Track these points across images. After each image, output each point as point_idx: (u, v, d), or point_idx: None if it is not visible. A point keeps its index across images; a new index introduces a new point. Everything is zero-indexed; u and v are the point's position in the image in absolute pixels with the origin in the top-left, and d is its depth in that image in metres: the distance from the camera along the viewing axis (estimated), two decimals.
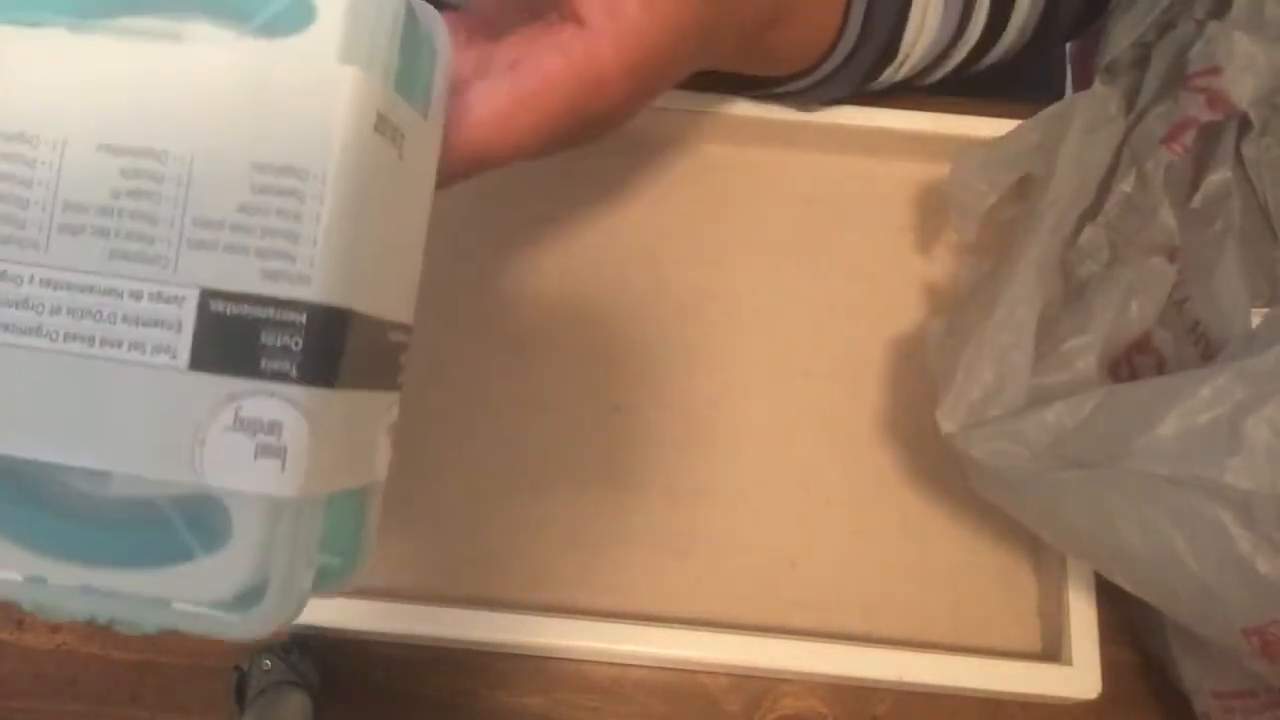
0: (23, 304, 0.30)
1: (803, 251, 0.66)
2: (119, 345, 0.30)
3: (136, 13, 0.31)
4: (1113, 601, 0.57)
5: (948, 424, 0.51)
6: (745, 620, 0.58)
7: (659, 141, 0.68)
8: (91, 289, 0.30)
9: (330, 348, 0.30)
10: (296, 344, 0.30)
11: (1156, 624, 0.55)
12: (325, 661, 0.55)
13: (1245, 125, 0.56)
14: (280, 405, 0.30)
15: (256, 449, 0.30)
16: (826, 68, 0.61)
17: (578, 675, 0.58)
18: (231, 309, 0.30)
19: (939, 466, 0.61)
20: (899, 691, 0.58)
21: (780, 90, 0.64)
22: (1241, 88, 0.52)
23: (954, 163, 0.61)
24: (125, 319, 0.30)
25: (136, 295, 0.30)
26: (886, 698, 0.58)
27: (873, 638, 0.58)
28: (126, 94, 0.31)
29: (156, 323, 0.30)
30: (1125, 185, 0.56)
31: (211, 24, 0.31)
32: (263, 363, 0.30)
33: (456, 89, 0.39)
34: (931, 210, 0.67)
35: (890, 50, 0.61)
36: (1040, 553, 0.60)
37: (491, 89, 0.40)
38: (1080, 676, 0.55)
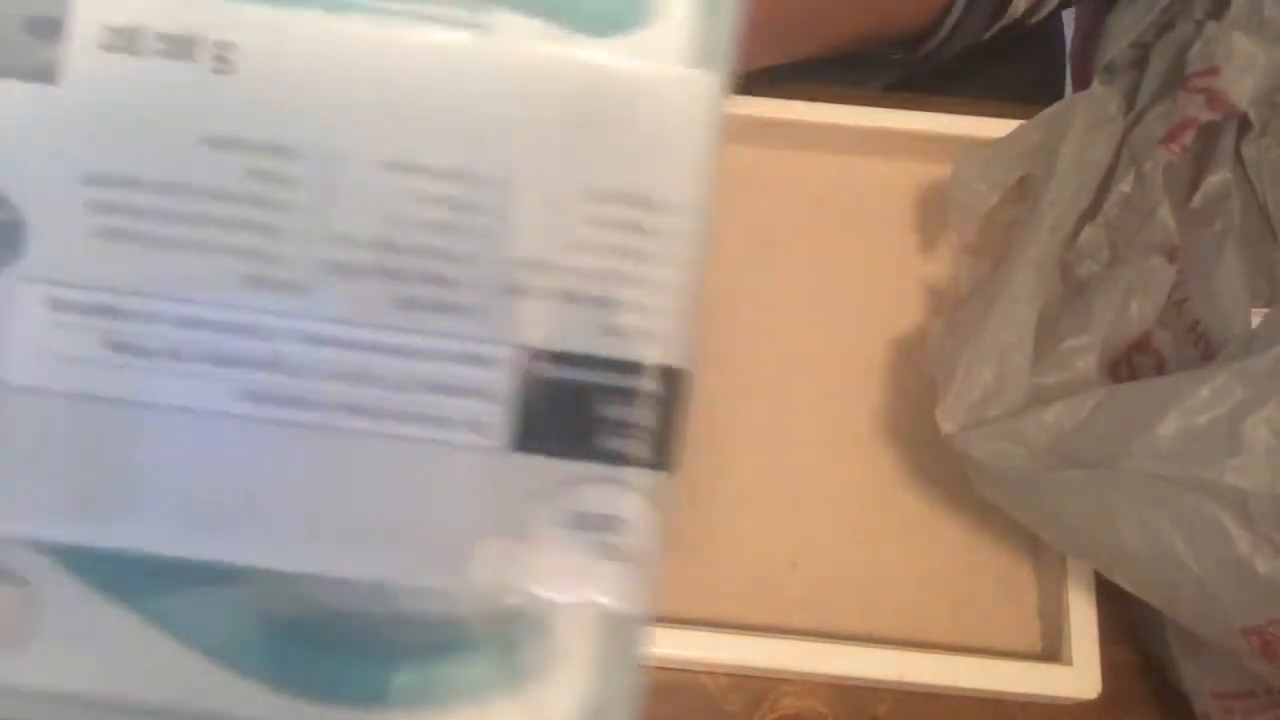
0: (276, 366, 0.23)
1: (803, 251, 0.66)
2: (413, 421, 0.23)
3: None
4: (1113, 601, 0.56)
5: (947, 424, 0.51)
6: (745, 620, 0.58)
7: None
8: (373, 347, 0.23)
9: (678, 422, 0.24)
10: (645, 418, 0.24)
11: (1156, 624, 0.55)
12: None
13: (1245, 125, 0.56)
14: (624, 494, 0.24)
15: (596, 550, 0.24)
16: (952, 17, 0.61)
17: None
18: (562, 373, 0.23)
19: (939, 466, 0.61)
20: (899, 691, 0.57)
21: (913, 57, 0.64)
22: (1240, 88, 0.52)
23: (955, 163, 0.61)
24: (422, 386, 0.23)
25: (437, 356, 0.23)
26: (886, 698, 0.58)
27: (873, 638, 0.58)
28: (416, 97, 0.23)
29: (465, 391, 0.23)
30: (1124, 185, 0.56)
31: (522, 14, 0.24)
32: (601, 441, 0.24)
33: None
34: (932, 210, 0.67)
35: None
36: (1040, 553, 0.60)
37: None
38: (1080, 676, 0.55)
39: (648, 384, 0.24)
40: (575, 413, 0.23)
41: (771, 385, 0.63)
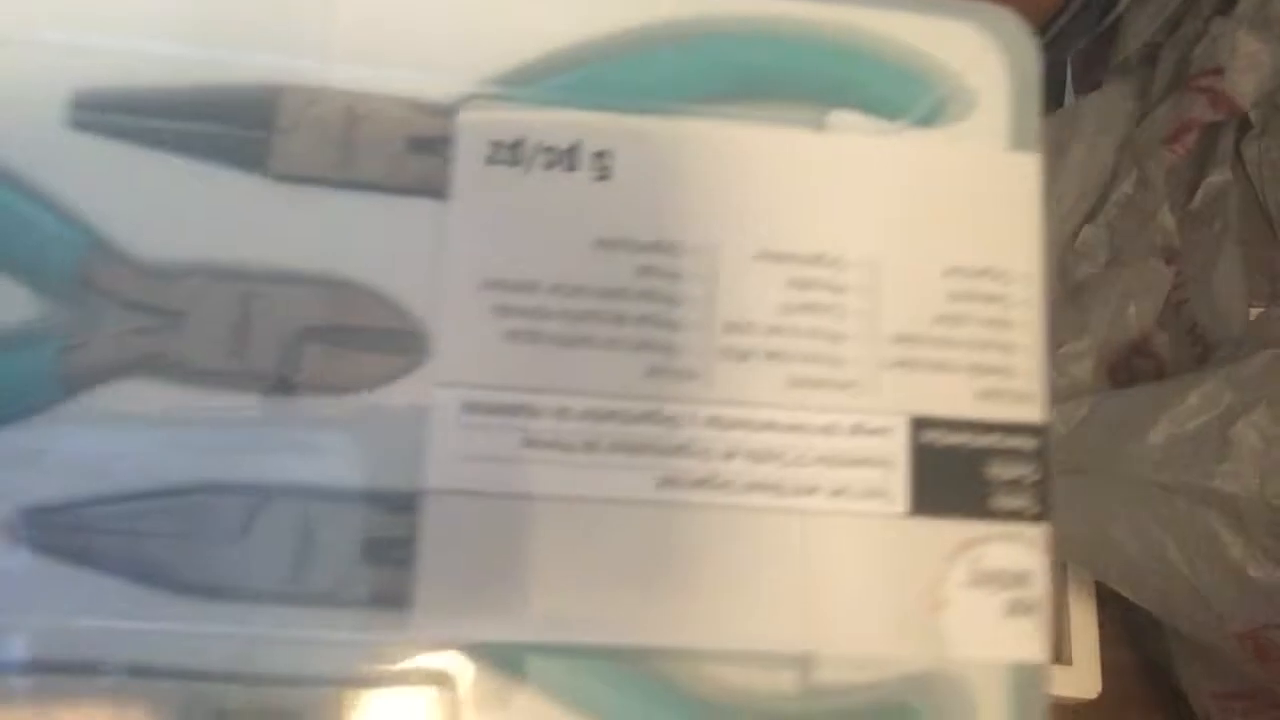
0: (686, 451, 0.24)
1: None
2: (815, 493, 0.24)
3: (755, 98, 0.26)
4: (1112, 602, 0.57)
5: None
6: None
7: None
8: (771, 426, 0.24)
9: (1051, 474, 0.25)
10: (1031, 475, 0.25)
11: (1155, 625, 0.55)
12: None
13: (1245, 125, 0.56)
14: (1024, 551, 0.25)
15: (1004, 607, 0.24)
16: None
17: None
18: (950, 439, 0.25)
19: None
20: None
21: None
22: (1244, 87, 0.52)
23: None
24: (820, 460, 0.24)
25: (831, 430, 0.24)
26: None
27: None
28: (770, 189, 0.25)
29: (861, 461, 0.24)
30: (1126, 186, 0.55)
31: (858, 113, 0.26)
32: (996, 500, 0.25)
33: None
34: None
35: None
36: None
37: None
38: (1080, 676, 0.55)
39: (1028, 443, 0.25)
40: (968, 475, 0.24)
41: None
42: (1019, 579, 0.25)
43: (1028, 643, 0.25)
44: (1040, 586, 0.25)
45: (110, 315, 0.23)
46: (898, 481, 0.24)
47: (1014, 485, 0.25)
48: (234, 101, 0.24)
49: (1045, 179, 0.27)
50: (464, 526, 0.23)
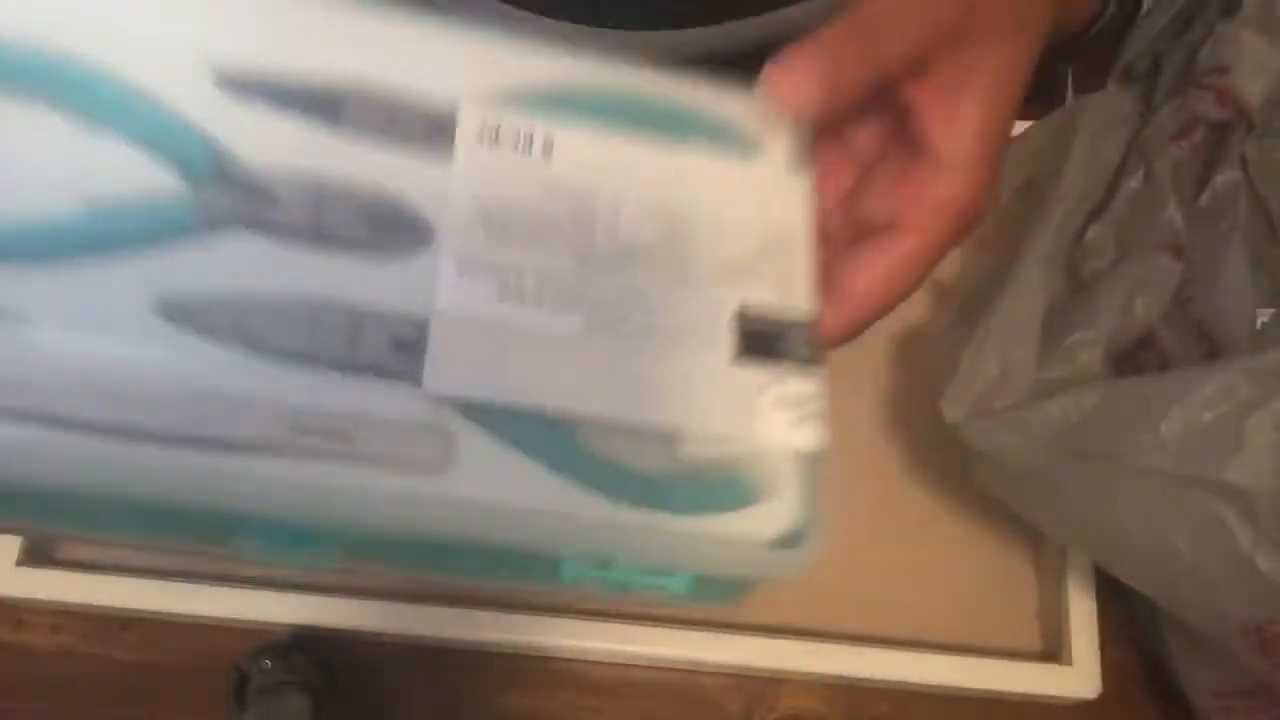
0: (609, 305, 0.38)
1: None
2: (675, 340, 0.38)
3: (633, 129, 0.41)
4: (1113, 602, 0.57)
5: (952, 413, 0.51)
6: (745, 620, 0.58)
7: None
8: (650, 296, 0.38)
9: (820, 345, 0.39)
10: (811, 340, 0.39)
11: (1155, 624, 0.55)
12: (325, 661, 0.55)
13: (1248, 125, 0.57)
14: (806, 385, 0.38)
15: (797, 417, 0.38)
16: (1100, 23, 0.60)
17: (578, 675, 0.58)
18: (757, 324, 0.39)
19: (940, 466, 0.61)
20: (899, 691, 0.58)
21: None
22: (1252, 87, 0.52)
23: None
24: (679, 321, 0.38)
25: (686, 305, 0.38)
26: (886, 698, 0.58)
27: (873, 638, 0.58)
28: (658, 171, 0.41)
29: (704, 326, 0.38)
30: (1134, 182, 0.56)
31: (701, 144, 0.42)
32: (790, 354, 0.39)
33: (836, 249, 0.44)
34: None
35: None
36: (1040, 553, 0.60)
37: (876, 257, 0.44)
38: (1080, 676, 0.55)
39: (806, 322, 0.39)
40: (772, 339, 0.39)
41: None
42: (804, 400, 0.38)
43: (811, 438, 0.37)
44: (818, 407, 0.38)
45: (231, 194, 0.36)
46: (727, 340, 0.38)
47: (799, 347, 0.39)
48: None
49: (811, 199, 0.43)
50: (460, 338, 0.36)
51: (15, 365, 0.32)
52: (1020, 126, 0.61)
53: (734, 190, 0.41)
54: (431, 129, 0.39)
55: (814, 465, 0.37)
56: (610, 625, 0.56)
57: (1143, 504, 0.46)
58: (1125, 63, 0.60)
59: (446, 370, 0.35)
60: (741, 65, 0.49)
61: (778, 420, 0.37)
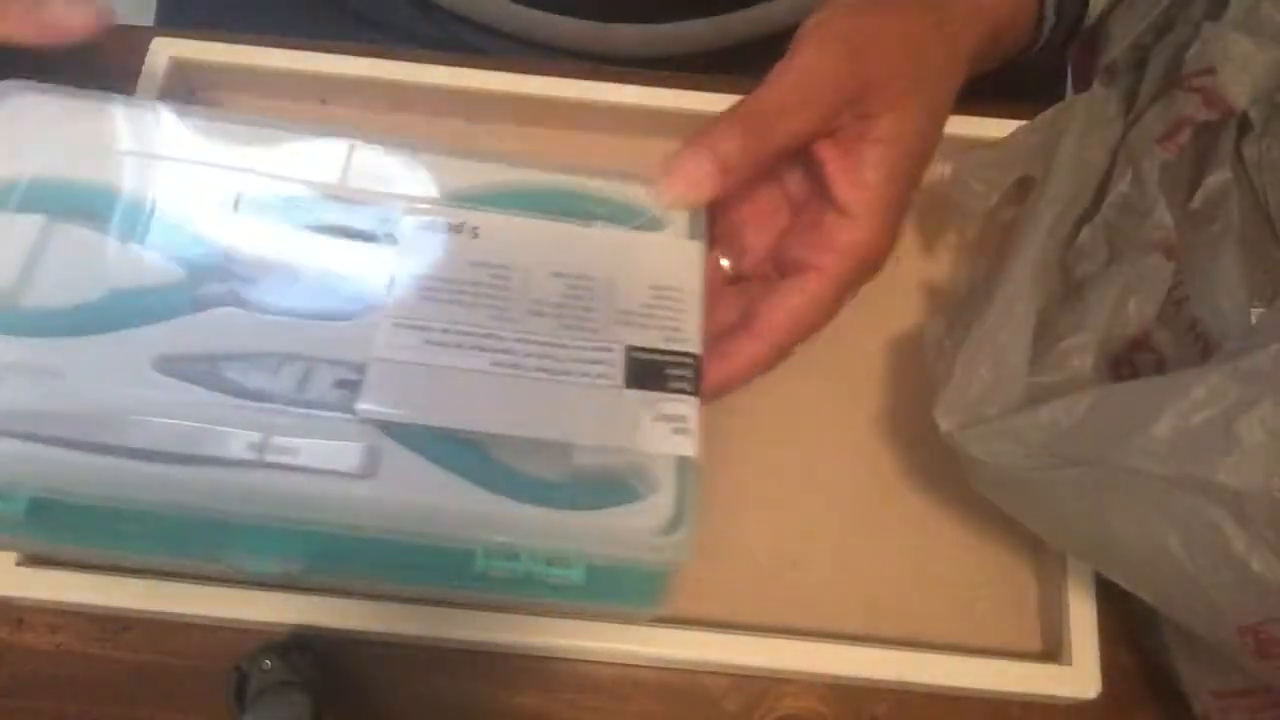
0: (509, 351, 0.48)
1: None
2: (576, 375, 0.47)
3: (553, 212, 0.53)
4: (1112, 602, 0.57)
5: (945, 422, 0.51)
6: (745, 620, 0.58)
7: (664, 140, 0.68)
8: (554, 344, 0.48)
9: (701, 375, 0.49)
10: (690, 373, 0.48)
11: (1155, 624, 0.55)
12: (325, 661, 0.55)
13: (1245, 125, 0.56)
14: (685, 405, 0.47)
15: (673, 430, 0.46)
16: (1042, 39, 0.64)
17: (578, 675, 0.58)
18: (645, 355, 0.48)
19: (939, 466, 0.61)
20: (899, 691, 0.58)
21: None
22: (1237, 87, 0.52)
23: (955, 164, 0.61)
24: (579, 361, 0.48)
25: (585, 349, 0.48)
26: (886, 698, 0.58)
27: (873, 638, 0.58)
28: (562, 245, 0.52)
29: (601, 363, 0.48)
30: (1122, 185, 0.56)
31: (608, 223, 0.53)
32: (671, 384, 0.48)
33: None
34: (933, 210, 0.67)
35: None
36: (1040, 553, 0.60)
37: (788, 296, 0.53)
38: (1080, 676, 0.55)
39: (689, 359, 0.49)
40: (655, 372, 0.48)
41: (772, 385, 0.63)
42: (681, 419, 0.46)
43: (686, 446, 0.46)
44: (692, 424, 0.47)
45: (224, 283, 0.49)
46: (619, 373, 0.48)
47: (679, 378, 0.48)
48: None
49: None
50: (390, 376, 0.47)
51: (49, 405, 0.45)
52: (1009, 127, 0.61)
53: (633, 256, 0.51)
54: (383, 223, 0.50)
55: (689, 469, 0.46)
56: (610, 625, 0.56)
57: (1135, 508, 0.46)
58: (1109, 60, 0.60)
59: (375, 400, 0.45)
60: (731, 58, 0.52)
61: (658, 433, 0.46)
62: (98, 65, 0.70)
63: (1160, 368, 0.53)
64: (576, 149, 0.68)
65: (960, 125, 0.66)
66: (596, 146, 0.65)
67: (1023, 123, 0.60)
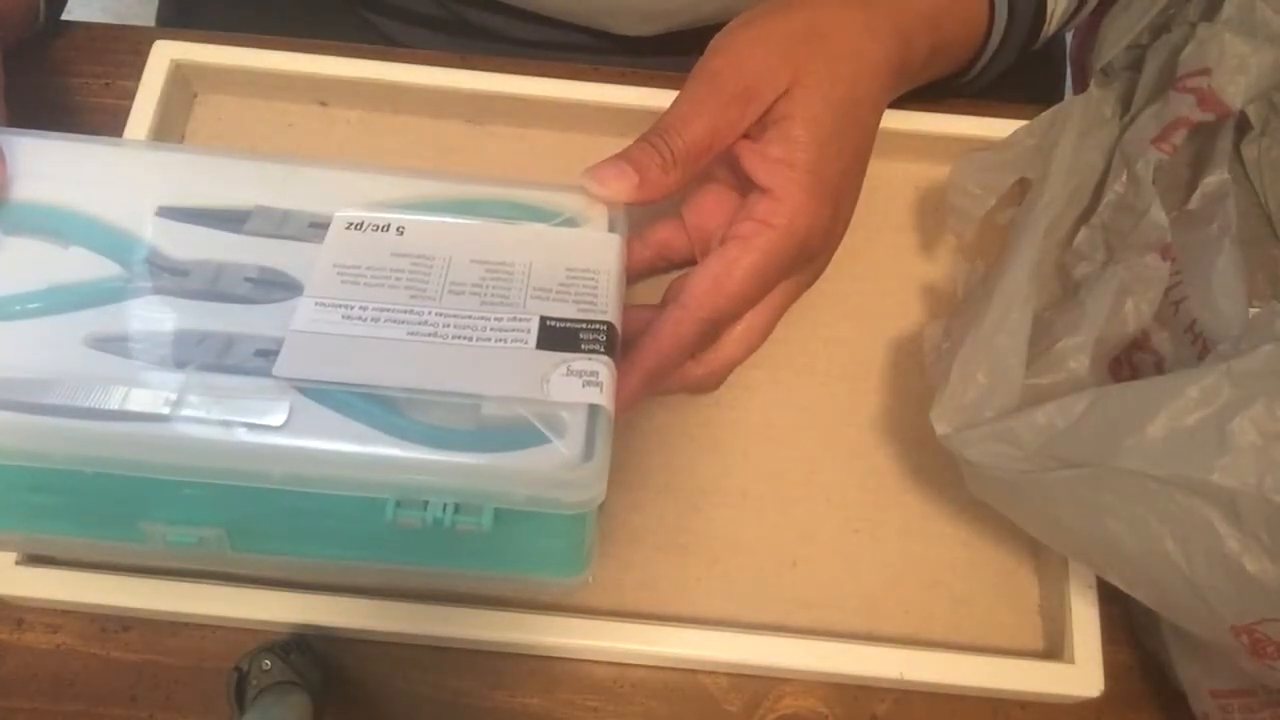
0: (425, 321, 0.49)
1: None
2: (494, 340, 0.49)
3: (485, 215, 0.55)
4: (1114, 601, 0.57)
5: (942, 426, 0.51)
6: (745, 620, 0.58)
7: None
8: (469, 316, 0.49)
9: (615, 339, 0.50)
10: (602, 336, 0.49)
11: (1154, 623, 0.55)
12: (325, 661, 0.55)
13: (1244, 125, 0.56)
14: (594, 364, 0.48)
15: (584, 383, 0.47)
16: (989, 48, 0.66)
17: (578, 675, 0.58)
18: (558, 324, 0.49)
19: (939, 466, 0.61)
20: (899, 691, 0.58)
21: (957, 83, 0.69)
22: (1233, 88, 0.52)
23: (952, 167, 0.61)
24: (496, 330, 0.49)
25: (503, 321, 0.49)
26: (886, 697, 0.58)
27: (873, 637, 0.58)
28: (487, 239, 0.53)
29: (517, 330, 0.49)
30: (1118, 186, 0.56)
31: (531, 220, 0.55)
32: (581, 346, 0.48)
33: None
34: (931, 212, 0.67)
35: (1040, 9, 0.66)
36: (1041, 551, 0.60)
37: (706, 263, 0.55)
38: (1082, 675, 0.55)
39: (601, 325, 0.50)
40: (568, 337, 0.49)
41: (772, 385, 0.63)
42: (593, 374, 0.47)
43: (595, 396, 0.47)
44: (604, 379, 0.47)
45: (155, 276, 0.51)
46: (532, 338, 0.49)
47: (592, 340, 0.49)
48: None
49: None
50: (307, 344, 0.48)
51: None
52: (1008, 128, 0.61)
53: (551, 247, 0.53)
54: (313, 228, 0.53)
55: (600, 417, 0.47)
56: (610, 625, 0.56)
57: (1130, 509, 0.46)
58: (1105, 62, 0.60)
59: (291, 363, 0.47)
60: (707, 35, 0.59)
61: (569, 385, 0.47)
62: (100, 67, 0.70)
63: (1159, 368, 0.53)
64: (576, 150, 0.69)
65: (960, 125, 0.66)
66: (596, 147, 0.65)
67: (1022, 123, 0.60)
